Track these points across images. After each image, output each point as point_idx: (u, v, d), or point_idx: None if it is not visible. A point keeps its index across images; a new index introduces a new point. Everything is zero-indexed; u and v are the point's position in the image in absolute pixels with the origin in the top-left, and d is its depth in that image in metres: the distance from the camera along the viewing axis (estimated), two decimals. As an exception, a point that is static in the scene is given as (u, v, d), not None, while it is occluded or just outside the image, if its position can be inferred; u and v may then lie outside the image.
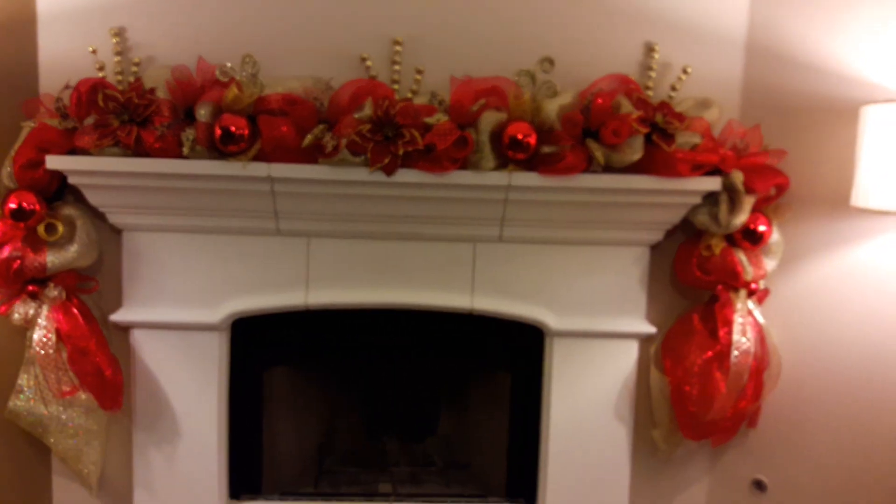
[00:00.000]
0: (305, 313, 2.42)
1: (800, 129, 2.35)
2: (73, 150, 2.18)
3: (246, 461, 2.57)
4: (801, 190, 2.35)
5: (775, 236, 2.34)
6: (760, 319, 2.38)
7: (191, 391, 2.42)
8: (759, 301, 2.40)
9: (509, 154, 2.17)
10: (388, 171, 2.16)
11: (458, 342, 2.56)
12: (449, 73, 2.22)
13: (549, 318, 2.41)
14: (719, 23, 2.33)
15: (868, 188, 2.18)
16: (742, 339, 2.31)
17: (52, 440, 2.37)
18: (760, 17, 2.33)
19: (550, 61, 2.22)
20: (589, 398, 2.47)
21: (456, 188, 2.21)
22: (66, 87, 2.18)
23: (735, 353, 2.31)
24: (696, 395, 2.35)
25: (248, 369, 2.51)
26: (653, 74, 2.30)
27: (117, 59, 2.23)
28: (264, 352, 2.54)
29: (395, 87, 2.25)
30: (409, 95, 2.24)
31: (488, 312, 2.41)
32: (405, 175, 2.18)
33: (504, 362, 2.62)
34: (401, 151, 2.13)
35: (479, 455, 2.88)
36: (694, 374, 2.35)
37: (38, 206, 2.19)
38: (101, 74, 2.21)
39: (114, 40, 2.23)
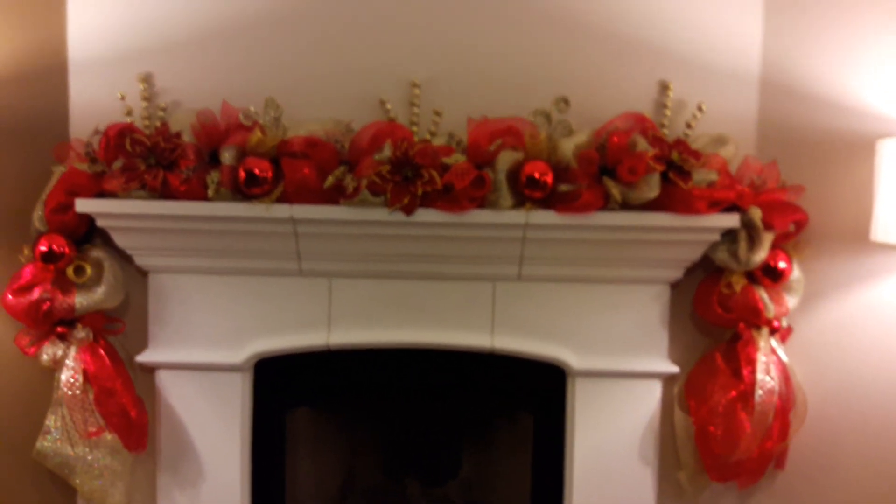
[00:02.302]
0: (327, 354, 2.43)
1: (817, 164, 2.35)
2: (102, 194, 2.23)
3: (268, 501, 2.55)
4: (821, 226, 2.34)
5: (796, 273, 2.31)
6: (784, 358, 2.35)
7: (214, 432, 2.43)
8: (783, 339, 2.37)
9: (526, 193, 2.19)
10: (408, 210, 2.18)
11: (480, 382, 2.53)
12: (466, 114, 2.25)
13: (570, 357, 2.39)
14: (733, 60, 2.34)
15: (887, 223, 2.17)
16: (766, 377, 2.28)
17: (77, 481, 2.37)
18: (774, 53, 2.34)
19: (566, 101, 2.25)
20: (613, 439, 2.43)
21: (474, 227, 2.23)
22: (96, 131, 2.23)
23: (759, 392, 2.27)
24: (721, 435, 2.31)
25: (270, 410, 2.51)
26: (668, 112, 2.31)
27: (144, 104, 2.29)
28: (287, 393, 2.54)
29: (414, 128, 2.28)
30: (428, 137, 2.28)
31: (509, 352, 2.40)
32: (424, 215, 2.20)
33: (526, 403, 2.60)
34: (420, 191, 2.16)
35: (501, 497, 2.85)
36: (718, 414, 2.31)
37: (67, 249, 2.23)
38: (128, 119, 2.26)
39: (141, 86, 2.29)
